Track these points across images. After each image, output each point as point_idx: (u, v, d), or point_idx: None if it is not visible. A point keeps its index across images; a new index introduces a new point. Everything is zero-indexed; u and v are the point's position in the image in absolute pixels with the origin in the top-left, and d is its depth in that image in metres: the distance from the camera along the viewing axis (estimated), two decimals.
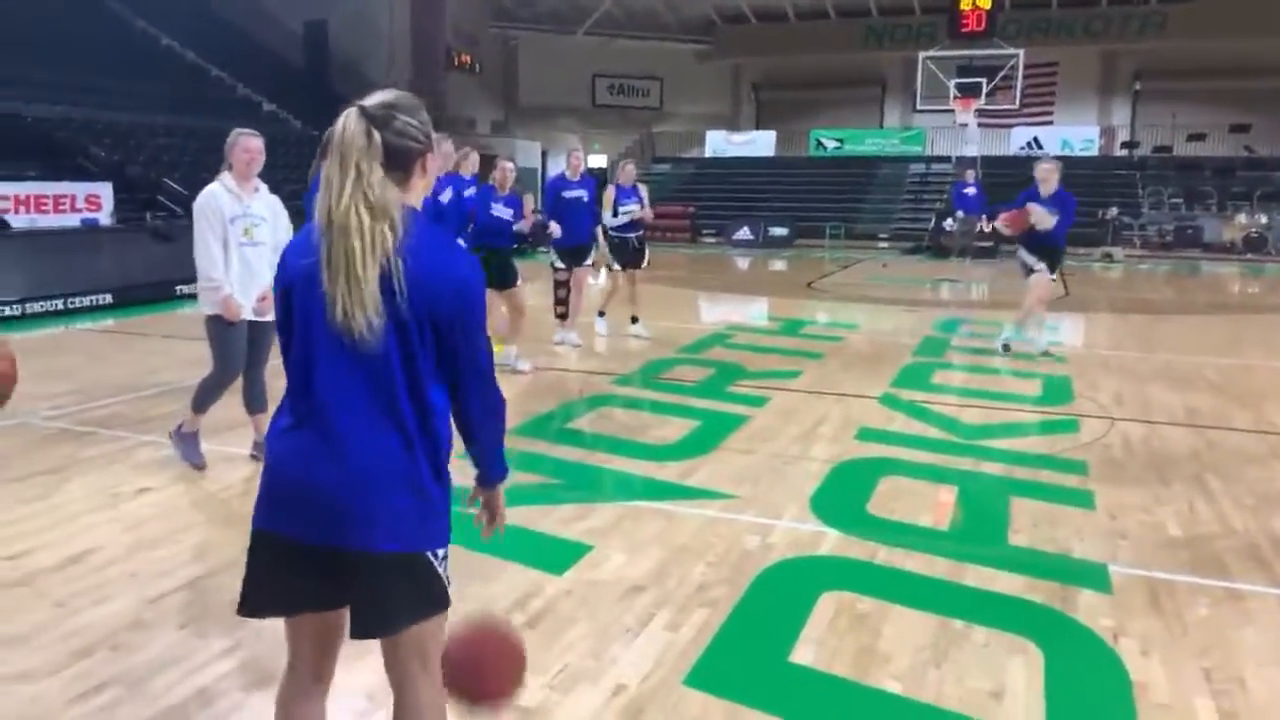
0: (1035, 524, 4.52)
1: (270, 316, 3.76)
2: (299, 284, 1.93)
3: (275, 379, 3.06)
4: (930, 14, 27.31)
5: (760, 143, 29.87)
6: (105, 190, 14.45)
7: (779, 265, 19.90)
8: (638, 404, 6.94)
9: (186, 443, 5.25)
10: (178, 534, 4.33)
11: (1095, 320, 11.93)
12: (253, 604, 2.03)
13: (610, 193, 9.37)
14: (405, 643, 2.01)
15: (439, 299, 1.89)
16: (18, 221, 12.96)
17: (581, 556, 4.08)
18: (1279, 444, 5.96)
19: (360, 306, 1.83)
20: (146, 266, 12.48)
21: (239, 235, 4.92)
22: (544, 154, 30.67)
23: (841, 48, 29.94)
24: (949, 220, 20.39)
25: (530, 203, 8.29)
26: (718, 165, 29.58)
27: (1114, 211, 22.00)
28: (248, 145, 4.94)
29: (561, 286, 8.97)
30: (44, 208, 13.59)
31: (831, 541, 4.31)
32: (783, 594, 3.78)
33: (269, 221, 5.04)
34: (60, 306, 11.28)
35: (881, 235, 24.60)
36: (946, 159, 26.40)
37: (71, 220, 13.80)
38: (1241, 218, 22.09)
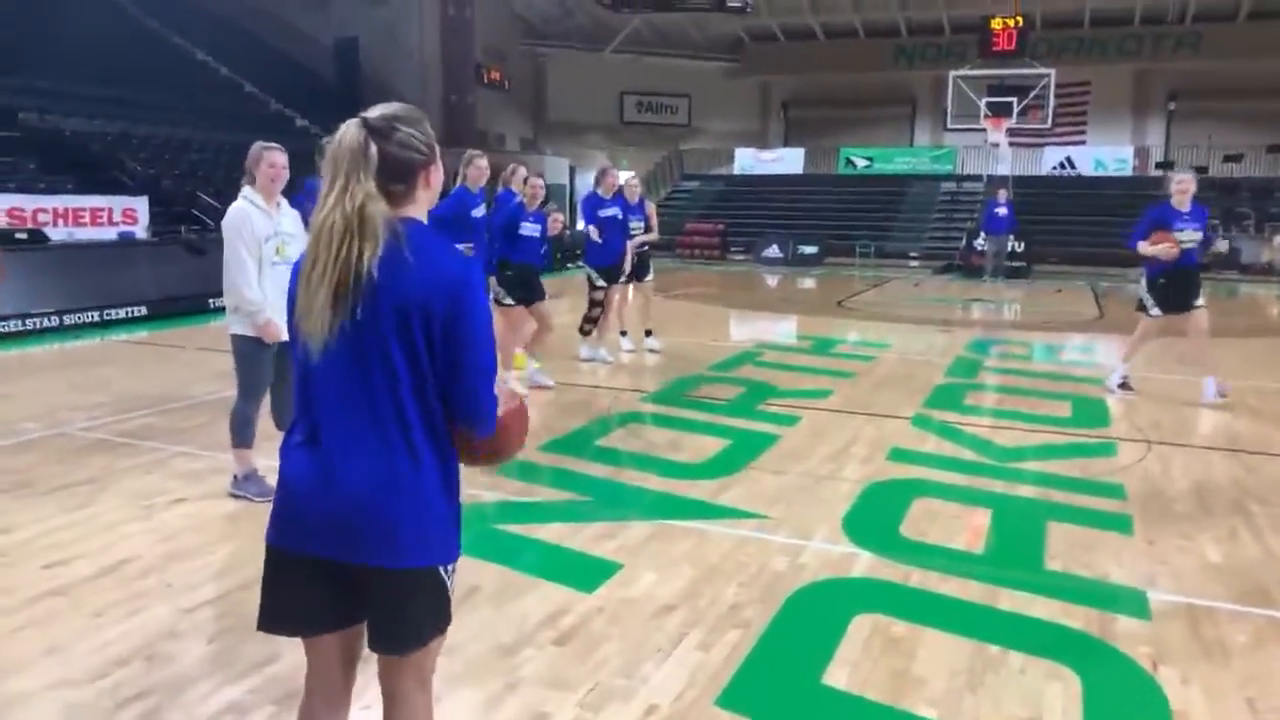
0: (1071, 548, 4.45)
1: None
2: (292, 299, 1.95)
3: None
4: (961, 33, 27.22)
5: (789, 160, 29.86)
6: (141, 204, 14.64)
7: (809, 283, 19.84)
8: (668, 421, 6.92)
9: (249, 483, 5.01)
10: (212, 545, 4.36)
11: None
12: (269, 619, 2.04)
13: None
14: (408, 661, 2.02)
15: (435, 301, 1.88)
16: (55, 234, 13.16)
17: (612, 575, 4.06)
18: None
19: (325, 317, 1.84)
20: (181, 280, 12.62)
21: (271, 254, 4.78)
22: (572, 170, 30.81)
23: (871, 67, 29.90)
24: (980, 239, 20.31)
25: (555, 212, 8.29)
26: (746, 183, 29.58)
27: None
28: (274, 160, 4.80)
29: (597, 305, 8.99)
30: (81, 221, 13.79)
31: (864, 563, 4.27)
32: (815, 615, 3.75)
33: (297, 238, 4.88)
34: (96, 318, 11.42)
35: (912, 254, 24.47)
36: (978, 178, 26.26)
37: (108, 233, 13.99)
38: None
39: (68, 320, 11.13)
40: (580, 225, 8.54)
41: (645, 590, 3.92)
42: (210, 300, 12.17)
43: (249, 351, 4.88)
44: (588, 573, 4.07)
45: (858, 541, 4.51)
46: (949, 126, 25.99)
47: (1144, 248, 7.49)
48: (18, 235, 12.39)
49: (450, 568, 2.01)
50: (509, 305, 7.56)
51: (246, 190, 4.82)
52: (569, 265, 18.95)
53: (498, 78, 29.74)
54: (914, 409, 7.33)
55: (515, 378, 7.48)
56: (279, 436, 5.19)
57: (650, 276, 9.92)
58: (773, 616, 3.68)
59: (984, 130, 23.54)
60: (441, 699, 2.86)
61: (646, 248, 9.72)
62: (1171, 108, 27.87)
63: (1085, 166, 26.78)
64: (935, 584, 4.04)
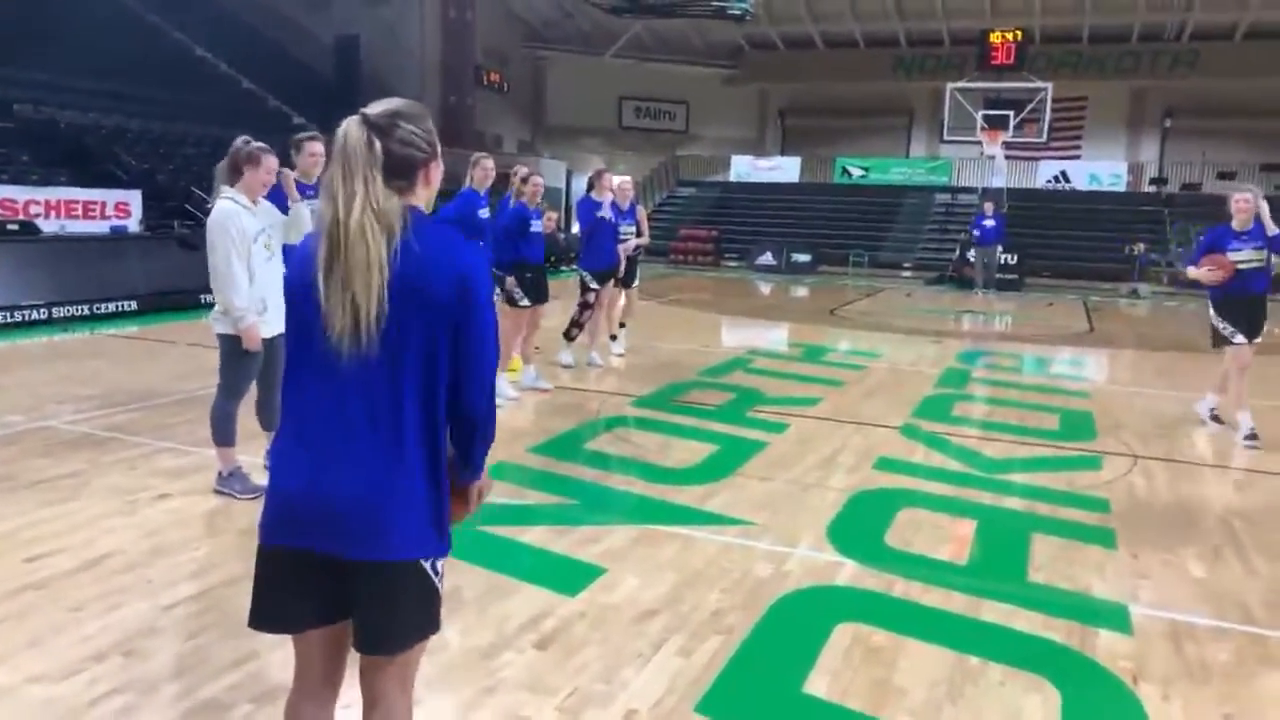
0: (1055, 561, 4.46)
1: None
2: (299, 295, 1.94)
3: None
4: (959, 45, 27.29)
5: (785, 168, 29.90)
6: (135, 198, 14.58)
7: (801, 291, 19.87)
8: (656, 426, 6.92)
9: (233, 480, 4.99)
10: (195, 541, 4.34)
11: (1119, 356, 11.83)
12: (261, 617, 2.03)
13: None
14: (393, 663, 2.01)
15: (441, 289, 1.88)
16: (48, 226, 13.10)
17: (595, 579, 4.05)
18: None
19: (363, 318, 1.83)
20: (173, 274, 12.59)
21: (262, 251, 4.77)
22: (569, 174, 30.82)
23: (869, 77, 29.94)
24: (972, 251, 20.38)
25: (549, 210, 8.32)
26: (742, 190, 29.62)
27: (1141, 247, 21.85)
28: (271, 166, 4.78)
29: (587, 308, 8.98)
30: (74, 213, 13.72)
31: (848, 572, 4.27)
32: (798, 623, 3.74)
33: (278, 228, 4.92)
34: (86, 312, 11.39)
35: (905, 264, 24.52)
36: (973, 190, 26.32)
37: (101, 227, 13.92)
38: (1273, 257, 21.83)
39: (57, 313, 11.10)
40: (575, 229, 8.54)
41: (628, 595, 3.91)
42: (202, 296, 12.10)
43: (236, 351, 4.86)
44: (571, 576, 4.06)
45: (842, 550, 4.51)
46: (945, 138, 26.06)
47: (1192, 272, 7.13)
48: (9, 226, 12.33)
49: (439, 568, 2.00)
50: (524, 307, 7.59)
51: (228, 190, 4.74)
52: (564, 268, 18.93)
53: (497, 80, 29.74)
54: (903, 419, 7.34)
55: (509, 380, 7.46)
56: (263, 435, 5.23)
57: (636, 283, 9.95)
58: (755, 623, 3.68)
59: (980, 142, 23.63)
60: (421, 701, 2.84)
61: (640, 252, 9.74)
62: (1167, 124, 27.94)
63: (1080, 181, 26.84)
64: (918, 594, 4.04)
